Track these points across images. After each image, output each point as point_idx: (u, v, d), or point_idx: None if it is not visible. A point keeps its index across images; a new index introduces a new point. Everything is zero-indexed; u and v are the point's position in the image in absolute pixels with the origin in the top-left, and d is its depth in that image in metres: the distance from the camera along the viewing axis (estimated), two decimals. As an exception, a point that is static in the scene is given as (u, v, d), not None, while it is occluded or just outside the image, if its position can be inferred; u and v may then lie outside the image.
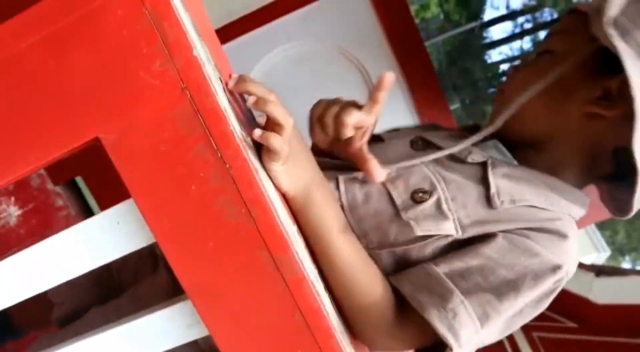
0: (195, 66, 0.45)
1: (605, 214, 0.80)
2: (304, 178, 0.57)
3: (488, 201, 0.63)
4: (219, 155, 0.46)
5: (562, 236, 0.61)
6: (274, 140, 0.51)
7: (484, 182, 0.64)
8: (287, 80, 2.26)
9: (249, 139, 0.48)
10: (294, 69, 2.25)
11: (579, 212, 0.68)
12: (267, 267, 0.49)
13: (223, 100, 0.46)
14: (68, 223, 1.45)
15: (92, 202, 1.55)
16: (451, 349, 0.54)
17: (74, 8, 0.45)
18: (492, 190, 0.63)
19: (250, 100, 0.52)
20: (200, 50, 0.46)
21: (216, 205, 0.48)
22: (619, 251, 16.51)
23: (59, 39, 0.46)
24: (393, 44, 2.19)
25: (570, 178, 0.69)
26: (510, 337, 3.68)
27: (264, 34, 2.19)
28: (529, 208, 0.64)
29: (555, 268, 0.60)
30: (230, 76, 0.53)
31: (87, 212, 1.57)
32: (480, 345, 0.59)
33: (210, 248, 0.49)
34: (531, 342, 3.69)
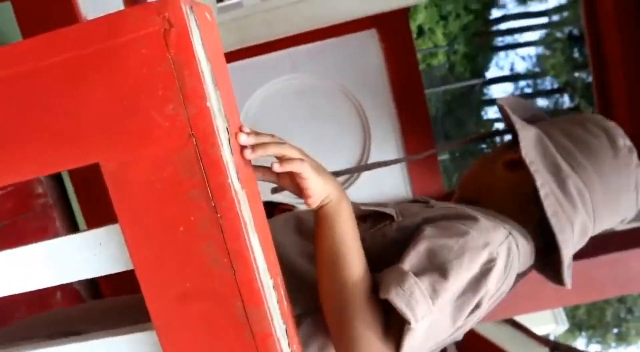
0: (206, 117, 0.46)
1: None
2: (334, 185, 0.65)
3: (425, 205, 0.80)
4: (213, 204, 0.48)
5: (475, 218, 0.71)
6: (290, 150, 0.59)
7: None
8: (285, 109, 2.29)
9: (243, 192, 0.50)
10: (294, 99, 2.29)
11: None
12: (239, 318, 0.50)
13: (226, 153, 0.48)
14: (44, 212, 1.44)
15: (72, 196, 1.55)
16: (409, 324, 0.61)
17: (101, 38, 0.47)
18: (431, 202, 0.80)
19: (276, 168, 0.59)
20: (214, 101, 0.48)
21: (201, 250, 0.49)
22: (577, 326, 16.67)
23: (80, 64, 0.47)
24: (395, 91, 2.24)
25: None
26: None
27: (271, 60, 2.23)
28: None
29: (485, 245, 0.67)
30: (240, 129, 0.54)
31: (65, 204, 1.56)
32: (435, 327, 0.65)
33: (186, 288, 0.50)
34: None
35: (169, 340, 0.51)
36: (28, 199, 1.50)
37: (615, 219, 0.85)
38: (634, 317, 16.62)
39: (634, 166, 0.81)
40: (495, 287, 0.68)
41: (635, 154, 0.82)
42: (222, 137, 0.48)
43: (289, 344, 0.55)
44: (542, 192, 0.76)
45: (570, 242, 0.79)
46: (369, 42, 2.17)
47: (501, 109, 0.85)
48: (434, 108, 11.71)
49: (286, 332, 0.55)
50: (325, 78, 2.25)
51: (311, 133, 2.21)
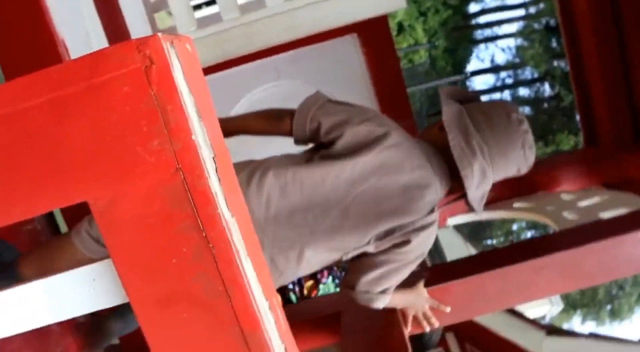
0: (192, 150, 0.47)
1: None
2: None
3: None
4: (204, 234, 0.48)
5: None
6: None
7: None
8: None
9: (233, 219, 0.50)
10: (279, 106, 2.29)
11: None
12: (238, 344, 0.50)
13: (214, 183, 0.49)
14: (32, 239, 1.43)
15: (60, 219, 1.54)
16: None
17: (83, 78, 0.47)
18: None
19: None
20: (199, 133, 0.48)
21: (195, 280, 0.49)
22: (571, 305, 16.87)
23: (63, 104, 0.48)
24: (377, 91, 2.26)
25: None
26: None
27: (255, 68, 2.23)
28: None
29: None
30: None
31: (53, 228, 1.55)
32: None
33: (183, 319, 0.51)
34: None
35: (170, 370, 0.52)
36: (13, 226, 1.49)
37: (511, 169, 1.21)
38: (625, 293, 16.86)
39: (521, 132, 1.18)
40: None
41: (524, 125, 1.20)
42: (209, 168, 0.49)
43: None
44: (452, 144, 1.14)
45: (471, 178, 1.14)
46: (350, 47, 2.19)
47: (441, 94, 1.23)
48: (417, 104, 11.77)
49: (285, 350, 0.56)
50: (309, 83, 2.26)
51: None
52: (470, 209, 1.23)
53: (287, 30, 1.34)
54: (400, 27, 13.68)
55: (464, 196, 1.19)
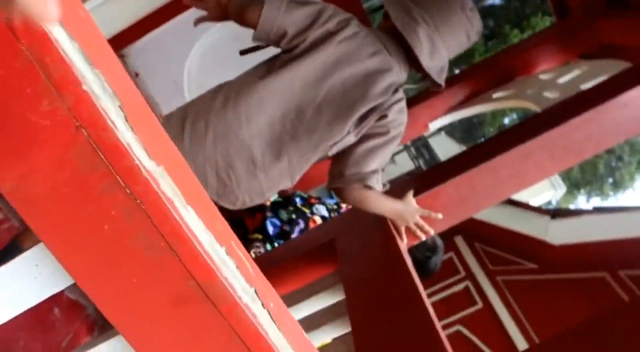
0: (87, 102, 0.41)
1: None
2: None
3: None
4: (128, 191, 0.44)
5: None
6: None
7: None
8: (228, 59, 2.18)
9: (160, 168, 0.45)
10: (232, 47, 2.17)
11: None
12: (197, 297, 0.47)
13: (125, 133, 0.43)
14: (11, 235, 1.39)
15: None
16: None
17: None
18: None
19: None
20: (93, 82, 0.42)
21: (133, 242, 0.45)
22: (574, 185, 17.21)
23: None
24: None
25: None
26: (477, 285, 3.82)
27: (197, 13, 2.10)
28: None
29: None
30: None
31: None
32: None
33: (134, 284, 0.47)
34: (496, 286, 3.84)
35: (137, 340, 0.49)
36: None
37: (460, 35, 1.26)
38: (624, 163, 17.12)
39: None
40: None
41: None
42: (115, 118, 0.43)
43: (263, 305, 0.53)
44: (393, 18, 1.23)
45: (420, 45, 1.22)
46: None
47: None
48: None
49: (256, 293, 0.52)
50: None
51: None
52: (434, 86, 1.32)
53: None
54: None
55: (425, 75, 1.27)
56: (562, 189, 12.34)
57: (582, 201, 18.61)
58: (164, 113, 2.30)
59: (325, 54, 1.16)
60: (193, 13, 2.14)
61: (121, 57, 2.17)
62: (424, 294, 1.06)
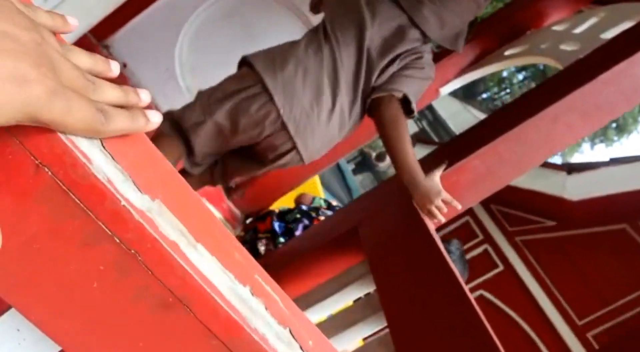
0: (45, 132, 0.31)
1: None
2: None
3: None
4: (117, 240, 0.33)
5: None
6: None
7: None
8: (219, 38, 2.06)
9: (155, 202, 0.35)
10: (225, 24, 2.05)
11: None
12: (222, 360, 0.38)
13: (102, 166, 0.33)
14: None
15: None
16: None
17: None
18: None
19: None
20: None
21: (132, 300, 0.35)
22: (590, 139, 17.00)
23: None
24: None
25: None
26: (496, 248, 3.74)
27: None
28: None
29: None
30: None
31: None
32: None
33: (141, 349, 0.37)
34: (515, 247, 3.76)
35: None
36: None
37: (469, 3, 1.39)
38: (628, 107, 16.83)
39: None
40: None
41: None
42: (86, 147, 0.33)
43: (301, 348, 0.44)
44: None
45: (426, 22, 1.37)
46: None
47: None
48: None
49: (292, 334, 0.43)
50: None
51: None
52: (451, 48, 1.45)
53: None
54: None
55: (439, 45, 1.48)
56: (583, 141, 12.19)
57: (586, 148, 18.45)
58: (160, 106, 2.19)
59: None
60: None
61: (106, 48, 2.04)
62: (462, 281, 0.97)
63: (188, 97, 2.09)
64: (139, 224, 0.33)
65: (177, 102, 2.10)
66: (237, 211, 2.20)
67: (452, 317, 0.87)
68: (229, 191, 2.22)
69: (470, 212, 4.09)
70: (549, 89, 1.31)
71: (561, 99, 1.20)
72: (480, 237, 3.94)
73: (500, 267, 3.76)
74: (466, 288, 0.96)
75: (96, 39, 2.02)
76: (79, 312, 0.36)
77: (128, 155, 0.36)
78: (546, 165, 3.45)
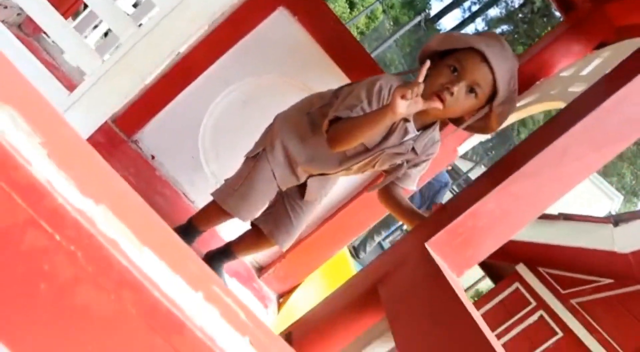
0: (-12, 137, 0.34)
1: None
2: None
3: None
4: (57, 238, 0.35)
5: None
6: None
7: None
8: (240, 124, 2.17)
9: (100, 207, 0.37)
10: (244, 111, 2.17)
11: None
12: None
13: (43, 171, 0.35)
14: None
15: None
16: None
17: None
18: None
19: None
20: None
21: (78, 298, 0.36)
22: (631, 193, 16.36)
23: None
24: (334, 57, 2.11)
25: None
26: (552, 313, 3.50)
27: (200, 85, 2.11)
28: None
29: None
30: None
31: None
32: None
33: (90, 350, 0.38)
34: (572, 310, 3.51)
35: None
36: None
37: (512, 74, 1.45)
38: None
39: (509, 51, 1.44)
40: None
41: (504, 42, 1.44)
42: (29, 155, 0.36)
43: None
44: None
45: None
46: (283, 21, 2.05)
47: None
48: (399, 66, 11.48)
49: (251, 344, 0.42)
50: (259, 76, 2.13)
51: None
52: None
53: (192, 20, 1.20)
54: (352, 4, 13.50)
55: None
56: (618, 198, 11.74)
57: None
58: (188, 193, 2.28)
59: None
60: (195, 85, 2.16)
61: (135, 142, 2.17)
62: (486, 328, 0.92)
63: (214, 183, 2.16)
64: (75, 221, 0.35)
65: (204, 188, 2.17)
66: (268, 291, 2.19)
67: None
68: (259, 270, 2.22)
69: (518, 278, 3.90)
70: (555, 124, 1.30)
71: (567, 131, 1.19)
72: (533, 303, 3.71)
73: (560, 334, 3.49)
74: (492, 338, 0.91)
75: (125, 135, 2.16)
76: (27, 316, 0.37)
77: (77, 165, 0.39)
78: (590, 219, 3.31)
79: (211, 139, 2.18)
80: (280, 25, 2.04)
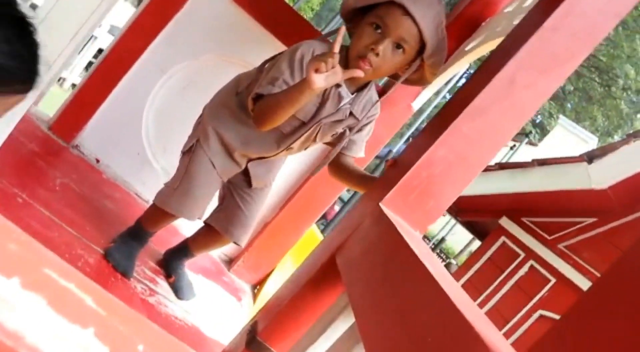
0: None
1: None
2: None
3: None
4: None
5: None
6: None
7: None
8: (185, 110, 2.03)
9: None
10: (185, 96, 2.04)
11: None
12: None
13: None
14: None
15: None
16: None
17: None
18: None
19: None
20: None
21: None
22: (605, 134, 16.60)
23: None
24: (269, 27, 1.99)
25: None
26: (542, 261, 3.46)
27: (135, 76, 1.97)
28: None
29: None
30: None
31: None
32: None
33: None
34: (562, 255, 3.48)
35: None
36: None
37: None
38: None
39: None
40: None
41: None
42: None
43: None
44: None
45: None
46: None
47: None
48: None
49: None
50: (197, 57, 2.00)
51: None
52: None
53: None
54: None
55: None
56: (593, 140, 11.84)
57: (618, 147, 17.95)
58: (141, 193, 2.16)
59: None
60: (128, 78, 2.03)
61: (75, 148, 2.04)
62: (451, 281, 0.83)
63: (164, 178, 2.04)
64: None
65: (157, 186, 2.06)
66: (241, 283, 2.08)
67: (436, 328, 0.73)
68: (229, 263, 2.11)
69: (503, 231, 3.85)
70: (498, 54, 1.21)
71: (511, 58, 1.09)
72: (522, 254, 3.67)
73: (552, 280, 3.46)
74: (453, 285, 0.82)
75: (64, 141, 2.03)
76: None
77: None
78: (564, 160, 3.26)
79: (155, 133, 2.05)
80: (208, 0, 1.92)
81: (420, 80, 1.45)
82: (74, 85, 3.94)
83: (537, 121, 19.67)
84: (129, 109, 2.02)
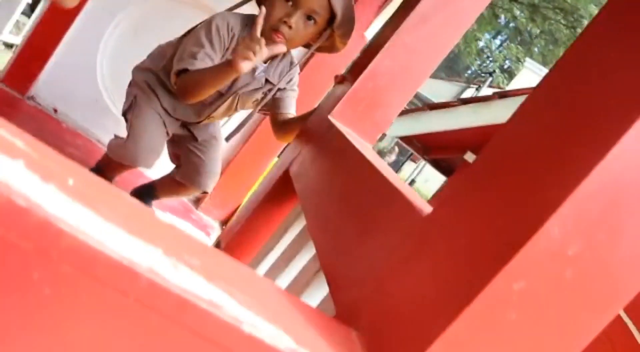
0: None
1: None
2: None
3: None
4: None
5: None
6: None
7: None
8: (139, 52, 2.01)
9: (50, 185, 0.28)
10: (138, 39, 2.01)
11: None
12: None
13: None
14: None
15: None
16: None
17: None
18: None
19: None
20: None
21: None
22: (547, 61, 16.89)
23: None
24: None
25: None
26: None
27: (83, 24, 1.94)
28: None
29: None
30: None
31: None
32: None
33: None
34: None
35: None
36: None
37: None
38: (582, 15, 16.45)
39: None
40: None
41: None
42: None
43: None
44: None
45: None
46: None
47: None
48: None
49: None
50: (145, 1, 1.97)
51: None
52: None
53: None
54: None
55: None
56: (544, 71, 12.03)
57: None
58: (102, 139, 2.15)
59: None
60: (78, 24, 1.99)
61: (31, 99, 2.01)
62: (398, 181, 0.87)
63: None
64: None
65: (118, 130, 2.05)
66: (209, 219, 2.13)
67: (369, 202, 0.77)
68: (196, 202, 2.15)
69: (467, 165, 3.97)
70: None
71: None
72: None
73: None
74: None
75: (19, 93, 2.00)
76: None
77: None
78: (524, 91, 3.33)
79: (111, 78, 2.03)
80: None
81: (331, 49, 1.50)
82: (6, 44, 3.81)
83: (505, 67, 19.82)
84: (82, 56, 1.99)
